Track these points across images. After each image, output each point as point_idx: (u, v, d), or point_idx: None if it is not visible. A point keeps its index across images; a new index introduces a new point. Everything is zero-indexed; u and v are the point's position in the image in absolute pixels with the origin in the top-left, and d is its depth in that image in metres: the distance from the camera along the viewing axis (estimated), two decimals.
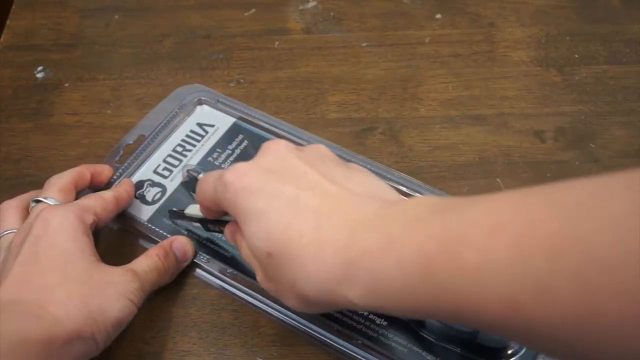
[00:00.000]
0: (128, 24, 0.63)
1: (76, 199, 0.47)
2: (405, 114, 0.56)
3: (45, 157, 0.55)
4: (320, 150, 0.38)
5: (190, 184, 0.51)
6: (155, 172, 0.52)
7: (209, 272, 0.47)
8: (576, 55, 0.60)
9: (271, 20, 0.64)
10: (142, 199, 0.51)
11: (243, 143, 0.54)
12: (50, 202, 0.45)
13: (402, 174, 0.51)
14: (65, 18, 0.65)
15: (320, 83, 0.59)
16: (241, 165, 0.36)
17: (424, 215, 0.31)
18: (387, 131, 0.55)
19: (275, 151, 0.37)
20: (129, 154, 0.53)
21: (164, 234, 0.48)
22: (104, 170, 0.50)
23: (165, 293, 0.46)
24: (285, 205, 0.34)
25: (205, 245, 0.48)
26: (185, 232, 0.48)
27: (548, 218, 0.26)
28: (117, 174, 0.51)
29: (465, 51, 0.61)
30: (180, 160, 0.53)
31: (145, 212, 0.50)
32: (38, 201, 0.45)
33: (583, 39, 0.61)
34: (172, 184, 0.52)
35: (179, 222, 0.48)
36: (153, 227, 0.49)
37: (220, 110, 0.56)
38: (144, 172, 0.52)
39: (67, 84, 0.59)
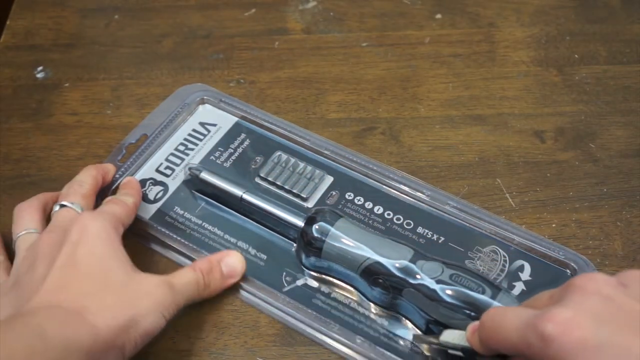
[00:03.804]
0: (128, 24, 0.63)
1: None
2: (405, 114, 0.56)
3: (45, 157, 0.55)
4: None
5: (192, 182, 0.51)
6: (157, 170, 0.52)
7: None
8: (576, 55, 0.60)
9: (271, 20, 0.64)
10: (145, 197, 0.51)
11: (245, 142, 0.54)
12: (76, 208, 0.44)
13: (404, 174, 0.51)
14: (65, 18, 0.65)
15: (320, 83, 0.59)
16: (563, 314, 0.30)
17: None
18: (387, 131, 0.55)
19: (597, 291, 0.31)
20: (131, 153, 0.53)
21: (166, 232, 0.49)
22: (110, 170, 0.50)
23: None
24: None
25: (208, 245, 0.48)
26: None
27: None
28: (120, 172, 0.52)
29: (465, 51, 0.61)
30: (183, 159, 0.53)
31: (147, 211, 0.50)
32: (62, 205, 0.44)
33: (583, 39, 0.61)
34: (174, 182, 0.52)
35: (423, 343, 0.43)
36: (155, 225, 0.49)
37: (223, 109, 0.56)
38: (146, 171, 0.52)
39: (67, 84, 0.59)
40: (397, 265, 0.43)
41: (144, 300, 0.40)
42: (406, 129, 0.55)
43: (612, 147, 0.54)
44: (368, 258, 0.43)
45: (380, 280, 0.43)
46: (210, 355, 0.44)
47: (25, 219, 0.45)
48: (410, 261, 0.43)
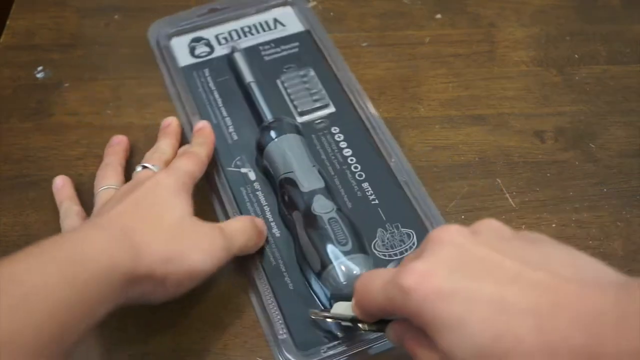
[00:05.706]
0: (128, 24, 0.63)
1: None
2: (405, 114, 0.56)
3: (45, 157, 0.55)
4: (493, 227, 0.34)
5: (228, 57, 0.58)
6: (215, 37, 0.60)
7: None
8: (576, 55, 0.60)
9: None
10: (192, 50, 0.59)
11: (293, 50, 0.59)
12: (155, 169, 0.47)
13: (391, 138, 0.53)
14: (65, 18, 0.65)
15: None
16: (418, 266, 0.32)
17: None
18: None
19: (449, 242, 0.32)
20: (207, 14, 0.61)
21: (184, 82, 0.56)
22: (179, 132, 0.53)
23: None
24: (490, 308, 0.29)
25: None
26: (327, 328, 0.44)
27: None
28: (189, 21, 0.61)
29: (465, 51, 0.61)
30: (240, 37, 0.60)
31: (185, 60, 0.59)
32: (144, 167, 0.47)
33: (583, 39, 0.61)
34: (222, 51, 0.59)
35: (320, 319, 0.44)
36: (183, 73, 0.57)
37: (298, 16, 0.62)
38: (208, 32, 0.61)
39: (67, 84, 0.59)
40: (300, 189, 0.47)
41: (192, 238, 0.42)
42: (406, 129, 0.55)
43: (612, 147, 0.54)
44: (287, 173, 0.48)
45: (285, 196, 0.48)
46: (210, 355, 0.44)
47: (107, 176, 0.48)
48: (313, 191, 0.46)
